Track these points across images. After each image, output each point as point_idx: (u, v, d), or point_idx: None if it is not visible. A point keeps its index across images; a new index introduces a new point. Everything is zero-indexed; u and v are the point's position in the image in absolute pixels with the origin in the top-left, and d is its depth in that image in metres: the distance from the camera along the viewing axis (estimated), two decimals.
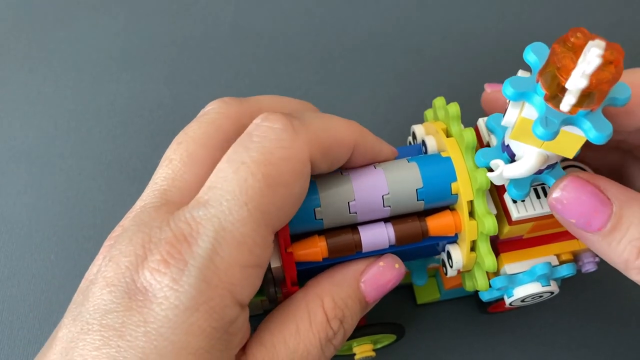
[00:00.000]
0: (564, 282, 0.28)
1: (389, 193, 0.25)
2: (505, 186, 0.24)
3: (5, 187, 0.37)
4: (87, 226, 0.36)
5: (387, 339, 0.31)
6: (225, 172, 0.21)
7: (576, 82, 0.19)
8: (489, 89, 0.28)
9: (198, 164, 0.22)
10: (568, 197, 0.22)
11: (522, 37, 0.42)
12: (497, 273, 0.27)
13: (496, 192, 0.26)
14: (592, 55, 0.18)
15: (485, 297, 0.27)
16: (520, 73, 0.23)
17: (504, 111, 0.23)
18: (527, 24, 0.42)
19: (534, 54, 0.21)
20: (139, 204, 0.22)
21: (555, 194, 0.23)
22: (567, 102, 0.19)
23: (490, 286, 0.27)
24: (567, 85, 0.19)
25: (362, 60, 0.41)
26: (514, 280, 0.26)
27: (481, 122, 0.26)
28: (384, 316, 0.30)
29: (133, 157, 0.38)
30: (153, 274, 0.20)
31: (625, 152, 0.29)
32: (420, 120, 0.30)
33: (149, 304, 0.19)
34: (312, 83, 0.41)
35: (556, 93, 0.20)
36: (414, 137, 0.28)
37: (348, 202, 0.24)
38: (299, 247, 0.25)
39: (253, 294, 0.21)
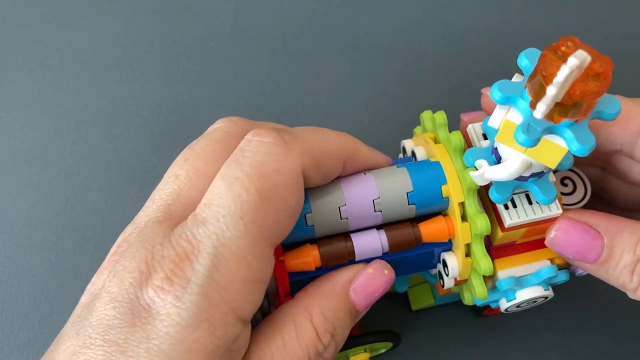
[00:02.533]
0: (556, 285, 0.28)
1: (379, 197, 0.24)
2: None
3: (5, 187, 0.37)
4: (87, 226, 0.36)
5: (383, 347, 0.31)
6: (219, 189, 0.21)
7: (548, 90, 0.18)
8: (465, 118, 0.29)
9: (204, 180, 0.22)
10: (562, 238, 0.25)
11: (522, 38, 0.42)
12: (492, 279, 0.27)
13: (488, 199, 0.25)
14: (570, 64, 0.18)
15: (479, 302, 0.27)
16: (516, 77, 0.23)
17: None
18: (528, 24, 0.42)
19: (527, 60, 0.21)
20: (143, 219, 0.22)
21: (551, 235, 0.25)
22: (539, 110, 0.19)
23: (495, 287, 0.26)
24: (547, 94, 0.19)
25: (362, 60, 0.41)
26: (520, 282, 0.26)
27: (471, 128, 0.26)
28: (380, 324, 0.30)
29: (133, 157, 0.38)
30: (157, 292, 0.20)
31: (602, 168, 0.30)
32: (419, 120, 0.30)
33: (152, 321, 0.19)
34: (312, 83, 0.41)
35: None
36: (404, 151, 0.28)
37: (339, 207, 0.24)
38: (291, 256, 0.24)
39: (255, 309, 0.21)
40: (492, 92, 0.21)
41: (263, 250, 0.21)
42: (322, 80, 0.41)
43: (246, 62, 0.41)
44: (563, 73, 0.18)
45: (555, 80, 0.18)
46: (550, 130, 0.20)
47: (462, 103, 0.39)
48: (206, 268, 0.20)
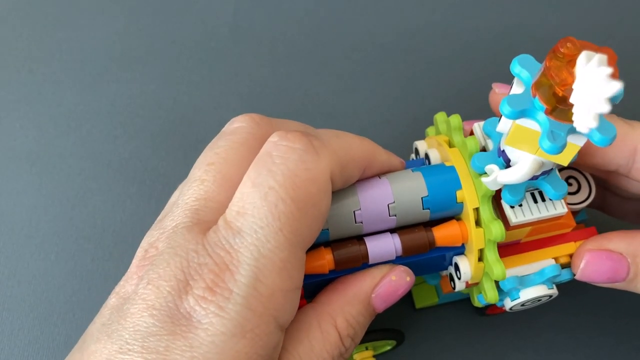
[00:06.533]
0: (560, 284, 0.28)
1: (394, 202, 0.24)
2: (500, 192, 0.24)
3: (5, 187, 0.37)
4: (87, 226, 0.36)
5: (387, 345, 0.31)
6: (253, 198, 0.21)
7: (598, 107, 0.18)
8: (497, 89, 0.29)
9: (231, 185, 0.22)
10: (590, 270, 0.26)
11: (523, 39, 0.42)
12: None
13: (494, 197, 0.25)
14: (605, 75, 0.17)
15: (483, 302, 0.27)
16: (516, 84, 0.22)
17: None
18: (528, 25, 0.42)
19: (522, 67, 0.21)
20: (170, 224, 0.22)
21: (580, 271, 0.26)
22: (587, 126, 0.19)
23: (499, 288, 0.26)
24: (576, 103, 0.18)
25: (362, 60, 0.41)
26: (523, 281, 0.26)
27: (477, 127, 0.26)
28: (384, 322, 0.30)
29: (133, 157, 0.38)
30: (198, 301, 0.20)
31: (603, 189, 0.31)
32: (419, 120, 0.30)
33: (193, 330, 0.19)
34: (312, 83, 0.41)
35: (556, 105, 0.20)
36: (417, 153, 0.28)
37: (354, 211, 0.24)
38: (305, 259, 0.24)
39: (293, 316, 0.21)
40: (502, 109, 0.21)
41: (300, 258, 0.21)
42: (322, 80, 0.41)
43: (246, 62, 0.41)
44: (615, 87, 0.17)
45: (605, 96, 0.18)
46: (572, 131, 0.20)
47: (463, 103, 0.39)
48: (248, 279, 0.20)
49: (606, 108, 0.18)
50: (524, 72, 0.21)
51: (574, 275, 0.27)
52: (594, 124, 0.19)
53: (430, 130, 0.30)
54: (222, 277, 0.20)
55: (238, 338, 0.19)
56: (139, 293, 0.20)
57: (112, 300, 0.22)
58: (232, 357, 0.19)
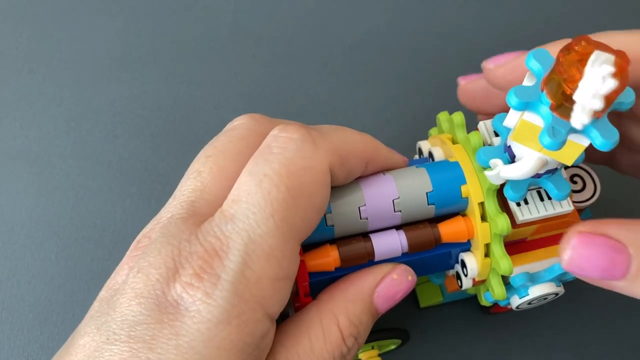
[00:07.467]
0: (566, 282, 0.28)
1: (399, 197, 0.24)
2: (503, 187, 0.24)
3: (5, 187, 0.37)
4: (87, 226, 0.36)
5: (392, 344, 0.31)
6: (248, 185, 0.21)
7: (590, 103, 0.18)
8: (462, 81, 0.28)
9: (227, 178, 0.22)
10: (581, 257, 0.20)
11: (523, 38, 0.42)
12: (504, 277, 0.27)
13: (500, 195, 0.25)
14: (605, 73, 0.18)
15: (490, 299, 0.27)
16: (527, 78, 0.22)
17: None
18: (529, 23, 0.42)
19: (537, 61, 0.21)
20: (166, 215, 0.22)
21: (566, 255, 0.20)
22: (580, 121, 0.19)
23: (509, 283, 0.26)
24: (577, 100, 0.19)
25: (362, 60, 0.41)
26: (533, 278, 0.26)
27: (482, 125, 0.26)
28: (388, 321, 0.30)
29: (133, 157, 0.38)
30: (185, 288, 0.19)
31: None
32: (419, 120, 0.30)
33: (180, 317, 0.19)
34: (312, 83, 0.41)
35: (562, 102, 0.20)
36: (420, 153, 0.28)
37: (358, 207, 0.24)
38: (310, 257, 0.24)
39: (282, 307, 0.21)
40: (509, 99, 0.21)
41: (292, 248, 0.21)
42: (322, 80, 0.41)
43: (246, 62, 0.41)
44: (609, 85, 0.18)
45: (599, 93, 0.18)
46: (573, 130, 0.20)
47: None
48: (237, 265, 0.20)
49: (598, 105, 0.18)
50: (537, 65, 0.21)
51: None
52: (585, 119, 0.19)
53: (433, 131, 0.30)
54: (210, 263, 0.20)
55: (224, 325, 0.19)
56: (128, 282, 0.20)
57: (102, 293, 0.22)
58: (218, 344, 0.19)
